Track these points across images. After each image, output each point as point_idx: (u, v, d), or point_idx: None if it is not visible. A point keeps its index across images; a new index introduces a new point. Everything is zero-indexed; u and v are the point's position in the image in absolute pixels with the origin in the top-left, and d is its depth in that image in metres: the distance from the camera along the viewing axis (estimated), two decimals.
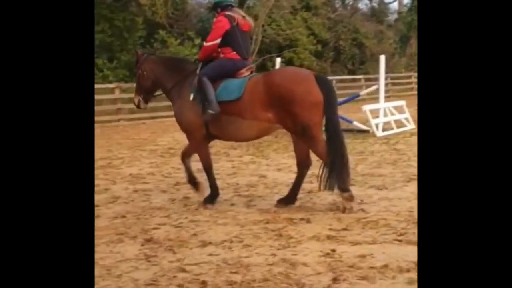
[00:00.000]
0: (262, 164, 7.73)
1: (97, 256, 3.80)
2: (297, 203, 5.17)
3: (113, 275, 3.45)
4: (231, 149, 9.42)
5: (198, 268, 3.52)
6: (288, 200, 5.16)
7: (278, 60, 13.18)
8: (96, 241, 4.15)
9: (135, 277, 3.40)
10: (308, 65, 22.86)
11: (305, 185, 6.00)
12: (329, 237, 4.08)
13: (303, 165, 5.22)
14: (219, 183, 6.31)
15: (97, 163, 8.15)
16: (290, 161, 7.80)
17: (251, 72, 5.34)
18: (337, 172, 4.77)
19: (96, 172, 7.37)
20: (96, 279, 3.34)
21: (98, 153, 9.21)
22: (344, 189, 4.81)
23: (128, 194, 5.94)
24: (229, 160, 8.21)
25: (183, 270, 3.49)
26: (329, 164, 4.80)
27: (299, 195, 5.29)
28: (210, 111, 5.00)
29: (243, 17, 5.43)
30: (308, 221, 4.56)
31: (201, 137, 5.29)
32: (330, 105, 4.83)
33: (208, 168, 5.38)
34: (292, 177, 6.56)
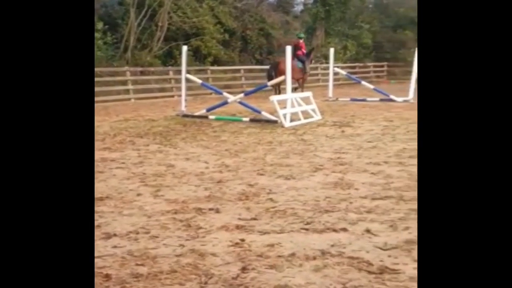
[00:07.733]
0: (170, 153, 7.58)
1: None
2: (206, 193, 5.11)
3: None
4: (137, 137, 9.18)
5: (101, 261, 3.37)
6: None
7: (185, 48, 12.93)
8: None
9: None
10: (216, 54, 22.75)
11: (215, 175, 5.97)
12: (238, 227, 4.05)
13: None
14: (124, 172, 6.13)
15: None
16: (198, 150, 7.72)
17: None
18: None
19: None
20: None
21: None
22: None
23: None
24: (135, 149, 7.98)
25: None
26: None
27: (208, 185, 5.20)
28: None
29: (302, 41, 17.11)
30: (217, 211, 4.51)
31: None
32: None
33: None
34: (201, 166, 6.51)
